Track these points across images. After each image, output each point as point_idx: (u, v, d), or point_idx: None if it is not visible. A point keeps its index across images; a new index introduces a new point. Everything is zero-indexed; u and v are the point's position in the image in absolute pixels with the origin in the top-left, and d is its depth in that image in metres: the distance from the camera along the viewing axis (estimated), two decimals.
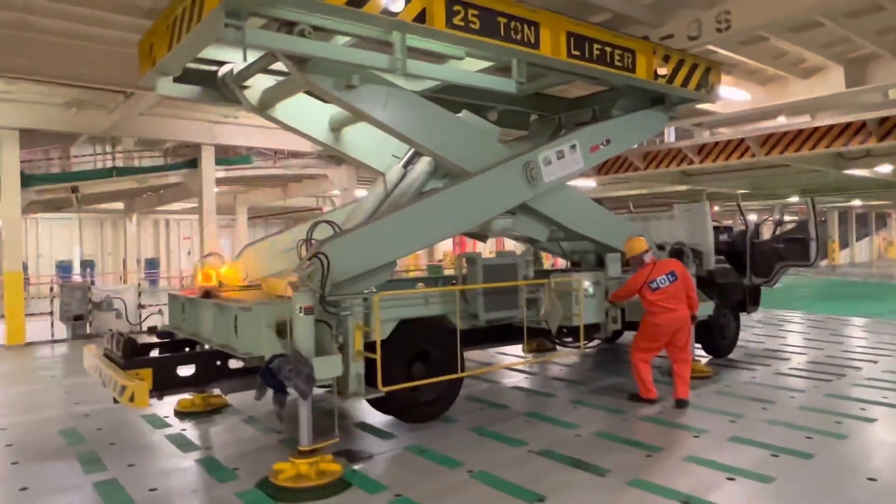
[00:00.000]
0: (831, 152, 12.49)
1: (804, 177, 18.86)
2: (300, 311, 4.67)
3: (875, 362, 8.54)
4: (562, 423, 6.04)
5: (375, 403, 5.67)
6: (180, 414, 6.60)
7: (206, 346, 5.85)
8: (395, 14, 4.98)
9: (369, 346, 5.14)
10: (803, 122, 13.17)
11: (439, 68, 6.02)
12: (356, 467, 4.91)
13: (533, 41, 5.83)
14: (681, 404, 6.43)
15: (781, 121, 14.15)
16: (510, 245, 24.15)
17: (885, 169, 15.00)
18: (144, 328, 12.98)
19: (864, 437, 5.49)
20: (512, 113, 8.25)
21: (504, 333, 6.66)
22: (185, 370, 5.48)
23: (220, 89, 6.33)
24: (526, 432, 5.75)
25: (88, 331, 12.41)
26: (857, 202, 31.64)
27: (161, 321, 13.39)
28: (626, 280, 6.89)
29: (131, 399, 4.49)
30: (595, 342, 7.74)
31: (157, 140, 13.50)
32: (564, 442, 5.45)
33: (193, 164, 13.89)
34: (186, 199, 17.78)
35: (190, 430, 6.06)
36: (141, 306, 13.30)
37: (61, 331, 12.50)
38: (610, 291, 7.20)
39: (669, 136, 16.51)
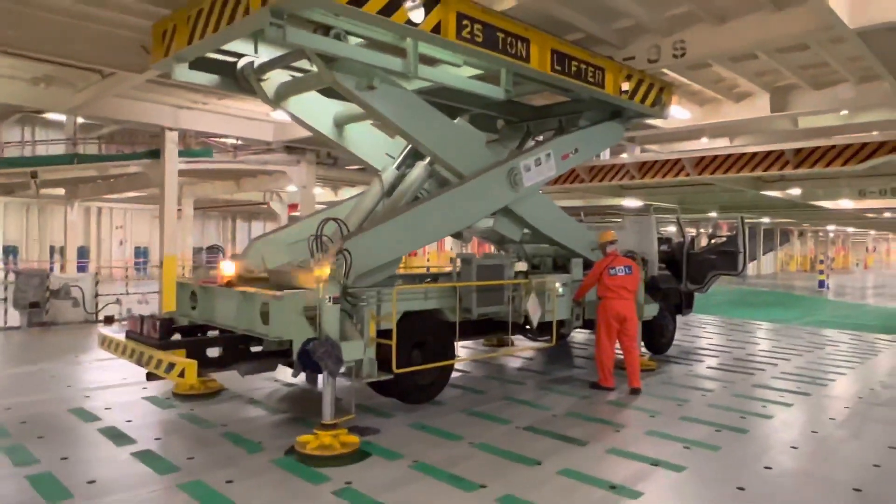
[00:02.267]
0: (753, 175, 14.07)
1: (725, 195, 20.80)
2: (329, 301, 5.28)
3: (788, 360, 9.94)
4: (537, 405, 6.90)
5: (379, 387, 6.32)
6: (180, 396, 6.97)
7: (216, 332, 6.32)
8: (417, 24, 5.60)
9: (379, 335, 5.80)
10: (723, 143, 14.72)
11: (442, 73, 6.72)
12: (368, 440, 5.56)
13: (524, 55, 6.58)
14: (635, 392, 7.44)
15: (704, 141, 15.73)
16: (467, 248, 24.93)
17: (795, 191, 16.93)
18: (101, 317, 13.02)
19: (786, 414, 6.64)
20: (482, 116, 8.84)
21: (489, 326, 7.47)
22: (212, 352, 5.93)
23: (237, 79, 6.81)
24: (508, 412, 6.57)
25: (45, 319, 12.23)
26: (766, 219, 34.64)
27: (118, 310, 13.46)
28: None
29: (181, 374, 4.95)
30: (561, 336, 8.69)
31: (121, 121, 13.17)
32: (543, 420, 6.31)
33: (156, 154, 13.88)
34: (143, 188, 17.53)
35: (199, 410, 6.48)
36: (97, 295, 13.22)
37: (14, 318, 12.25)
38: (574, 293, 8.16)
39: (605, 152, 17.87)
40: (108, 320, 12.98)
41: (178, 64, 6.45)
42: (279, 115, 12.86)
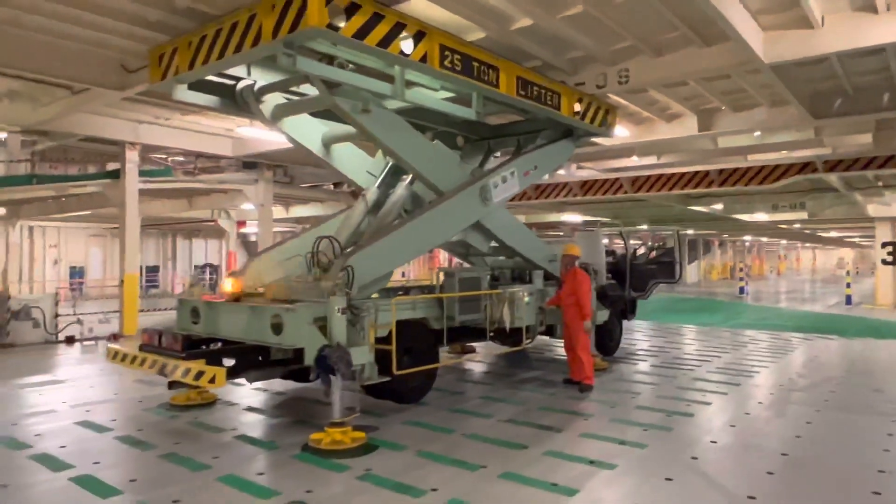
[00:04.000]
0: (683, 193, 15.58)
1: (655, 209, 22.53)
2: (338, 312, 5.95)
3: (719, 357, 11.22)
4: (511, 401, 7.74)
5: (374, 390, 6.98)
6: (179, 407, 7.38)
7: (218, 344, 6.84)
8: (408, 55, 6.34)
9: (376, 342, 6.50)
10: (651, 161, 16.17)
11: (423, 96, 7.49)
12: (373, 435, 6.22)
13: (495, 81, 7.43)
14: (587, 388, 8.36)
15: (634, 159, 17.21)
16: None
17: (718, 206, 18.69)
18: (62, 337, 12.98)
19: (722, 401, 7.74)
20: (445, 134, 9.63)
21: (467, 333, 8.26)
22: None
23: (236, 100, 7.39)
24: (488, 409, 7.38)
25: (6, 340, 12.10)
26: (690, 231, 37.16)
27: (80, 330, 13.45)
28: (555, 291, 8.88)
29: (211, 381, 5.48)
30: (527, 341, 9.57)
31: (82, 136, 13.04)
32: (521, 414, 7.14)
33: (115, 174, 13.97)
34: (98, 208, 17.33)
35: (205, 418, 6.95)
36: (57, 315, 13.15)
37: None
38: (540, 301, 9.07)
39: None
40: (70, 340, 12.95)
41: (178, 85, 7.00)
42: (245, 131, 13.35)
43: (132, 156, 13.71)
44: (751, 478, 5.13)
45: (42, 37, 8.16)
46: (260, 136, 13.61)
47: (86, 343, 12.92)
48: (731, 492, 4.84)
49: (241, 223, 25.85)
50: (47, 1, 7.13)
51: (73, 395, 8.14)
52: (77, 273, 30.53)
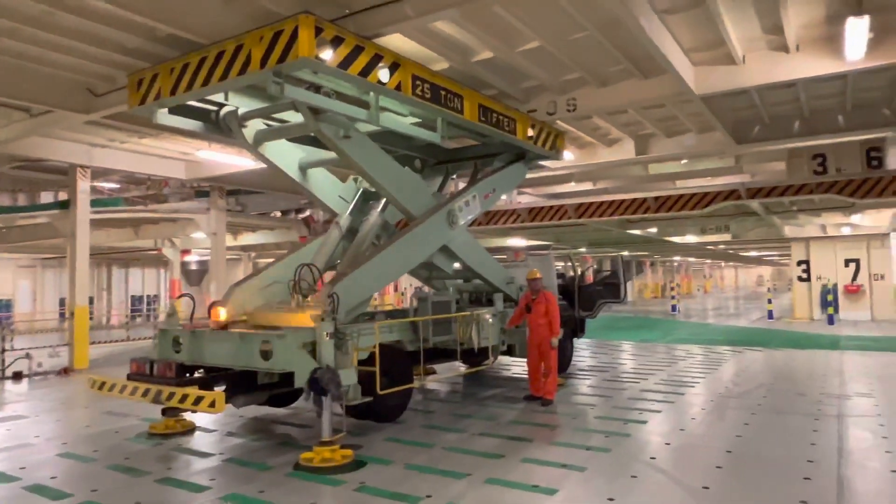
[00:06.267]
0: (622, 218, 16.72)
1: (594, 233, 23.78)
2: (326, 336, 6.35)
3: (661, 370, 12.14)
4: (480, 417, 8.27)
5: (355, 410, 7.35)
6: (159, 435, 7.48)
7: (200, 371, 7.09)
8: (385, 83, 6.86)
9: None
10: (588, 186, 17.25)
11: (394, 121, 7.99)
12: (359, 453, 6.60)
13: (459, 108, 8.03)
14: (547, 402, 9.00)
15: (572, 184, 18.33)
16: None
17: (653, 230, 20.02)
18: (9, 373, 12.60)
19: (669, 409, 8.53)
20: (404, 157, 10.07)
21: (437, 354, 8.74)
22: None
23: (219, 125, 7.72)
24: (461, 424, 7.87)
25: None
26: (625, 252, 39.01)
27: (28, 365, 13.12)
28: (514, 311, 9.50)
29: (211, 405, 5.74)
30: (491, 360, 10.15)
31: (34, 159, 12.82)
32: (492, 428, 7.67)
33: (65, 204, 13.77)
34: (45, 239, 16.82)
35: (190, 444, 7.12)
36: (4, 350, 12.75)
37: None
38: (501, 322, 9.67)
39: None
40: (17, 376, 12.58)
41: (159, 110, 7.29)
42: (205, 155, 13.45)
43: (83, 185, 13.59)
44: (703, 472, 5.85)
45: (11, 60, 8.26)
46: (217, 160, 13.69)
47: (35, 378, 12.58)
48: (689, 484, 5.52)
49: (186, 251, 25.44)
50: (28, 26, 7.29)
51: (42, 430, 8.08)
52: (4, 306, 29.03)
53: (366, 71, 6.59)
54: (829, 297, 22.35)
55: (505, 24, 7.73)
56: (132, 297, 33.93)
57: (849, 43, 7.49)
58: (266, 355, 6.46)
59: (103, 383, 6.73)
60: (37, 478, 5.98)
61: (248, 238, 22.83)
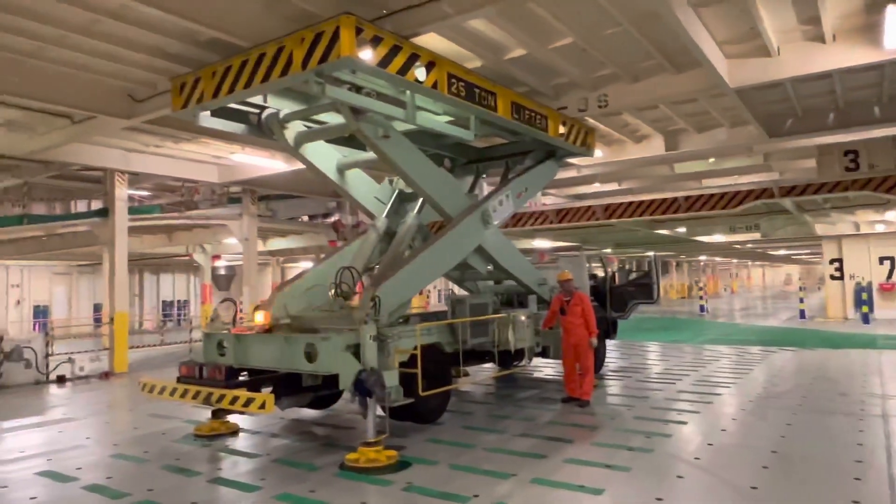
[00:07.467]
0: (651, 218, 16.62)
1: (621, 234, 23.63)
2: (370, 339, 6.46)
3: (696, 371, 12.06)
4: (518, 418, 8.31)
5: (396, 412, 7.44)
6: (205, 437, 7.66)
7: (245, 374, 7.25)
8: (422, 82, 6.98)
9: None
10: (612, 187, 17.07)
11: (429, 119, 8.07)
12: (402, 453, 6.69)
13: (493, 105, 8.10)
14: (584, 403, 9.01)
15: (597, 185, 18.25)
16: None
17: (681, 229, 19.85)
18: (53, 377, 12.95)
19: (709, 409, 8.48)
20: (433, 156, 10.06)
21: (475, 355, 8.80)
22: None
23: (261, 127, 7.90)
24: (500, 425, 7.92)
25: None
26: (651, 252, 38.66)
27: (71, 369, 13.47)
28: (547, 313, 9.52)
29: (261, 407, 5.89)
30: (523, 362, 10.16)
31: (73, 164, 13.16)
32: (531, 428, 7.72)
33: (105, 212, 14.13)
34: (85, 246, 17.27)
35: (236, 446, 7.28)
36: (48, 355, 13.12)
37: None
38: (535, 324, 9.68)
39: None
40: (61, 380, 12.93)
41: (201, 113, 7.49)
42: (238, 158, 13.65)
43: (122, 192, 13.93)
44: (750, 472, 5.82)
45: (56, 67, 8.49)
46: (251, 162, 13.83)
47: (77, 382, 12.92)
48: (736, 484, 5.51)
49: (216, 257, 25.87)
50: (75, 34, 7.49)
51: (92, 432, 8.33)
52: (41, 312, 29.76)
53: (403, 70, 6.69)
54: (864, 296, 21.94)
55: (539, 20, 7.75)
56: (163, 302, 34.52)
57: (889, 31, 7.41)
58: (310, 357, 6.59)
59: (154, 386, 6.91)
60: (94, 478, 6.18)
61: (277, 243, 23.14)
